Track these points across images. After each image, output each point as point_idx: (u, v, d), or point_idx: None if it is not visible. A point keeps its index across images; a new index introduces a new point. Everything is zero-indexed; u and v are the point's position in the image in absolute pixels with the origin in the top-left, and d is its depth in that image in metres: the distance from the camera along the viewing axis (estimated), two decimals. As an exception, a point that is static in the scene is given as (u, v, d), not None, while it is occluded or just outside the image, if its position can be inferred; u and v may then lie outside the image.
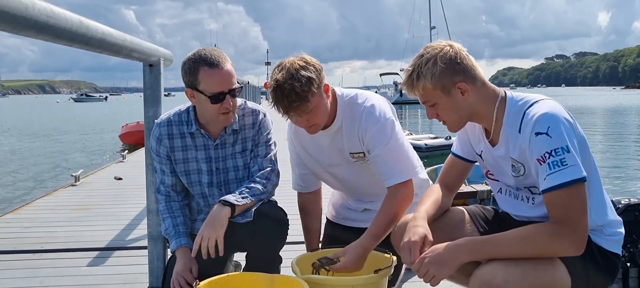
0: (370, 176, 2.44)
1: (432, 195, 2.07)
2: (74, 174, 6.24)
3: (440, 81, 1.81)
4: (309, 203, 2.61)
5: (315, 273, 2.06)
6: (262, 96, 32.05)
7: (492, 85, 1.90)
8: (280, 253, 2.49)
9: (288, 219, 2.40)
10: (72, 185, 6.08)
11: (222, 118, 2.31)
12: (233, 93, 2.28)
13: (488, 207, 2.21)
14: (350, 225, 2.60)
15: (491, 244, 1.71)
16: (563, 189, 1.64)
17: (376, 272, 1.95)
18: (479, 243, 1.73)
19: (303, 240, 2.65)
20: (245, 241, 2.39)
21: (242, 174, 2.47)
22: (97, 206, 5.05)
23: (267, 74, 70.43)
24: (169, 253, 2.61)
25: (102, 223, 4.36)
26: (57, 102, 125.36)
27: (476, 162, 2.14)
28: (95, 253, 3.58)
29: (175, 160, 2.42)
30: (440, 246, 1.75)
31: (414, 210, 2.37)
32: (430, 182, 2.51)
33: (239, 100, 2.46)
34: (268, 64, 74.86)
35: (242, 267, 2.75)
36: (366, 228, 2.34)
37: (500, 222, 2.09)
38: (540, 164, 1.69)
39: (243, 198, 2.28)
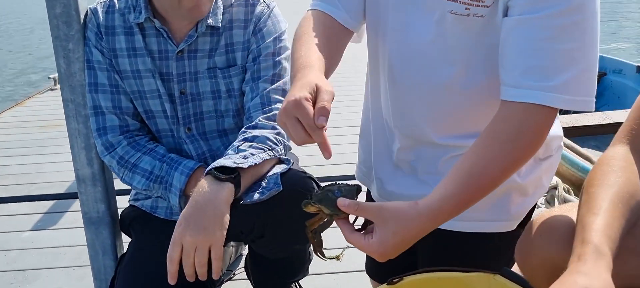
0: (466, 65, 1.07)
1: (614, 181, 0.91)
2: (51, 76, 5.12)
3: None
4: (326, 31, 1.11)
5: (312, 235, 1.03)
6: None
7: None
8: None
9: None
10: (51, 90, 4.96)
11: (187, 1, 1.25)
12: None
13: None
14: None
15: None
16: None
17: None
18: None
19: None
20: (246, 227, 1.33)
21: (224, 107, 1.39)
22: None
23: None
24: (124, 248, 1.57)
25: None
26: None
27: None
28: (49, 204, 2.55)
29: (120, 73, 1.35)
30: None
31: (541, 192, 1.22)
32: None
33: None
34: None
35: (243, 258, 1.71)
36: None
37: None
38: None
39: (246, 157, 1.22)
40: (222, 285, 1.82)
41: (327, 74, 1.06)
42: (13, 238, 2.22)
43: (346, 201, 0.92)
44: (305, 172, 1.35)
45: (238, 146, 1.25)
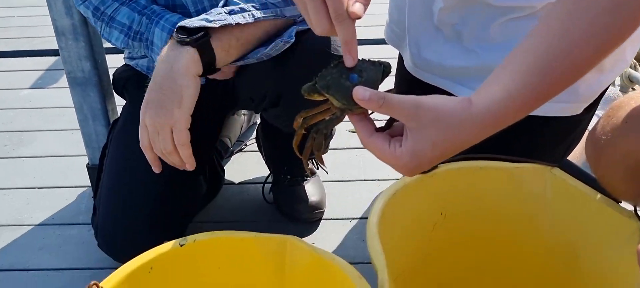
0: None
1: None
2: None
3: None
4: None
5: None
6: None
7: None
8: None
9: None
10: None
11: None
12: None
13: None
14: (432, 83, 1.07)
15: None
16: None
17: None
18: None
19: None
20: (257, 94, 1.14)
21: None
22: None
23: None
24: (118, 112, 1.39)
25: None
26: None
27: None
28: (52, 60, 2.36)
29: None
30: None
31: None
32: None
33: None
34: None
35: (256, 128, 1.53)
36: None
37: None
38: None
39: (233, 12, 0.97)
40: (232, 157, 1.65)
41: None
42: (11, 97, 2.06)
43: (367, 91, 0.62)
44: None
45: None
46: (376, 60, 0.69)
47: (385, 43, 1.21)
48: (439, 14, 0.98)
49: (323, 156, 0.74)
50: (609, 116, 0.74)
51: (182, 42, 0.93)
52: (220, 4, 0.99)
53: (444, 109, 0.62)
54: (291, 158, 1.36)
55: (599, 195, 0.81)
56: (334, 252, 1.27)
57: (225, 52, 0.97)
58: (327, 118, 0.70)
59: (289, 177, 1.37)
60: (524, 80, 0.61)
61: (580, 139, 1.07)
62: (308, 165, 0.77)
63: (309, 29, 1.05)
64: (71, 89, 1.33)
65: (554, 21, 0.62)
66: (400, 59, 1.17)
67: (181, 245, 0.78)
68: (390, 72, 0.68)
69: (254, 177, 1.54)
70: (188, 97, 0.92)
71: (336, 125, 0.71)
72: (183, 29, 0.94)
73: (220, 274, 0.82)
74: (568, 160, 0.87)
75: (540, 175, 0.88)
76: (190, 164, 0.96)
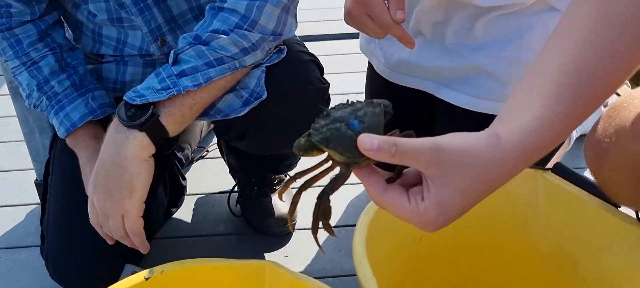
0: None
1: None
2: None
3: None
4: None
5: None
6: None
7: None
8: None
9: (327, 84, 1.00)
10: None
11: None
12: None
13: None
14: (410, 85, 1.01)
15: None
16: None
17: None
18: None
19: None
20: (220, 126, 1.05)
21: None
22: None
23: None
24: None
25: None
26: None
27: None
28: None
29: None
30: None
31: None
32: None
33: None
34: None
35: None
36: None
37: None
38: None
39: (182, 74, 0.85)
40: (193, 164, 1.55)
41: None
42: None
43: (374, 139, 0.51)
44: (305, 51, 0.99)
45: (178, 55, 0.86)
46: (372, 100, 0.58)
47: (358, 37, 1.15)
48: (417, 13, 0.91)
49: None
50: (610, 117, 0.69)
51: (127, 126, 0.83)
52: (170, 59, 0.87)
53: (470, 148, 0.53)
54: (258, 169, 1.28)
55: (596, 200, 0.76)
56: (309, 265, 1.20)
57: (178, 124, 0.87)
58: (332, 180, 0.59)
59: (256, 188, 1.29)
60: (556, 104, 0.53)
61: (565, 139, 1.02)
62: (332, 230, 0.65)
63: (279, 62, 0.94)
64: (13, 99, 1.22)
65: (578, 34, 0.54)
66: (370, 66, 1.11)
67: (147, 279, 0.70)
68: (391, 111, 0.58)
69: (218, 187, 1.45)
70: (140, 184, 0.84)
71: (343, 183, 0.60)
72: (132, 108, 0.83)
73: (191, 307, 0.74)
74: (560, 163, 0.82)
75: (532, 180, 0.83)
76: (143, 249, 0.89)
